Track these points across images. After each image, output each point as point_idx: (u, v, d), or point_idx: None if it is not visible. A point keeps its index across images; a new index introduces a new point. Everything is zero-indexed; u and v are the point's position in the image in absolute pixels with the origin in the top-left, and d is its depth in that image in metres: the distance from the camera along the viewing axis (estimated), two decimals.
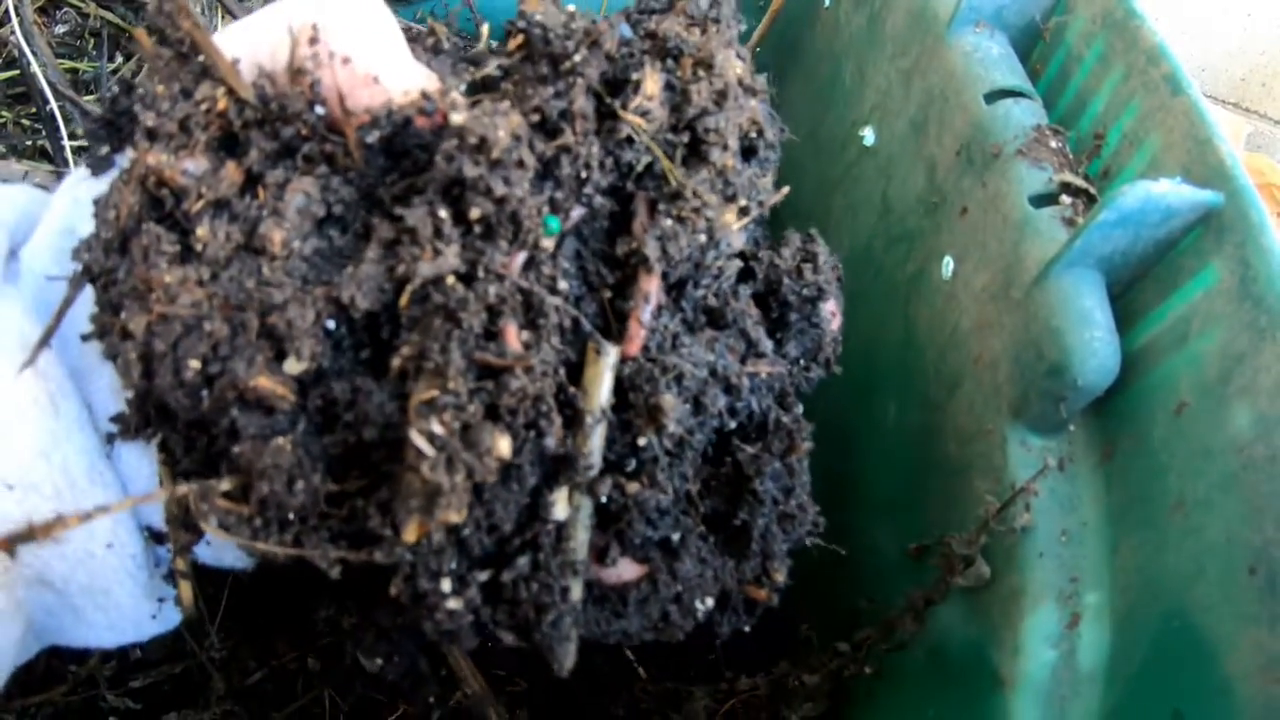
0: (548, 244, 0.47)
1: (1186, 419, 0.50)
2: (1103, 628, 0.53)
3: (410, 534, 0.42)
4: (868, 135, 0.90)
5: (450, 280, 0.44)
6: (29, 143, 0.90)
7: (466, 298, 0.43)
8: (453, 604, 0.45)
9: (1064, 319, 0.55)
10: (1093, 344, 0.54)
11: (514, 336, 0.45)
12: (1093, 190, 0.62)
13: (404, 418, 0.43)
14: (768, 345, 0.56)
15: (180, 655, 0.79)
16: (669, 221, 0.49)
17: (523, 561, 0.47)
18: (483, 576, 0.46)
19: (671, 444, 0.50)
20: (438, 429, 0.42)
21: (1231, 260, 0.50)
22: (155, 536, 0.51)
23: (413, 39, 0.55)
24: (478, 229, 0.44)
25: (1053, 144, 0.65)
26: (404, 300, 0.44)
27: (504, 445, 0.43)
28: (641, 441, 0.49)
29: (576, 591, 0.48)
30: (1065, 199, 0.62)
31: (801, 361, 0.59)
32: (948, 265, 0.71)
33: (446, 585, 0.44)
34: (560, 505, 0.47)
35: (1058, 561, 0.55)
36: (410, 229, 0.44)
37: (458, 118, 0.44)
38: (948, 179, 0.73)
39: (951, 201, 0.72)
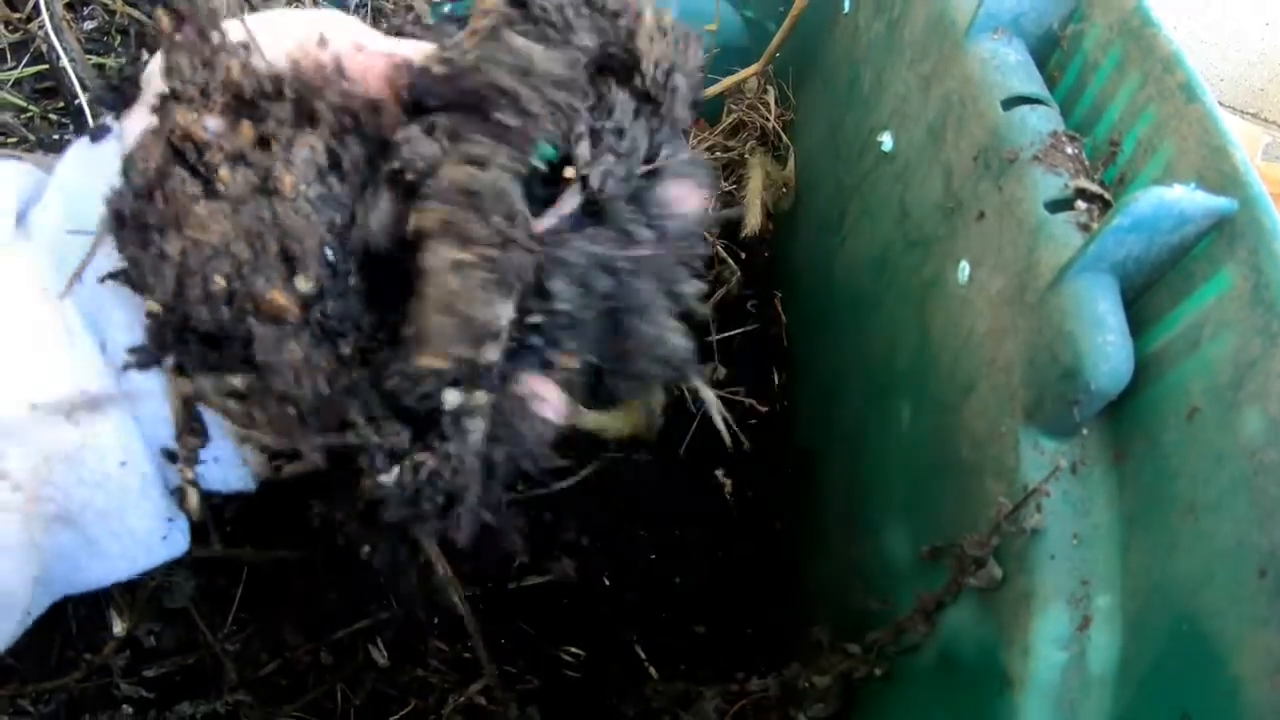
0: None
1: (1198, 423, 0.51)
2: (1113, 631, 0.54)
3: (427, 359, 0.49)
4: (886, 141, 0.91)
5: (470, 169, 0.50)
6: (55, 137, 0.92)
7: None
8: (385, 479, 0.51)
9: (1077, 323, 0.55)
10: (1105, 348, 0.54)
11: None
12: (1108, 196, 0.62)
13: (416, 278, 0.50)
14: (646, 235, 0.58)
15: (193, 646, 0.80)
16: (610, 157, 0.55)
17: (434, 444, 0.52)
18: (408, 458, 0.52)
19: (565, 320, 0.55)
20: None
21: (1244, 266, 0.50)
22: (168, 455, 0.53)
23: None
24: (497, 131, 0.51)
25: (1068, 150, 0.65)
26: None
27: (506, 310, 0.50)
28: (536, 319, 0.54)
29: (476, 474, 0.53)
30: (1080, 204, 0.62)
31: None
32: (964, 270, 0.72)
33: (381, 460, 0.50)
34: (453, 395, 0.52)
35: (1069, 564, 0.56)
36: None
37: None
38: (964, 184, 0.73)
39: (968, 206, 0.72)
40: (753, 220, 1.15)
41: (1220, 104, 0.57)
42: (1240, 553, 0.46)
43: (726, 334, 1.18)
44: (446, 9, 1.25)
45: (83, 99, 0.84)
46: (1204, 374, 0.51)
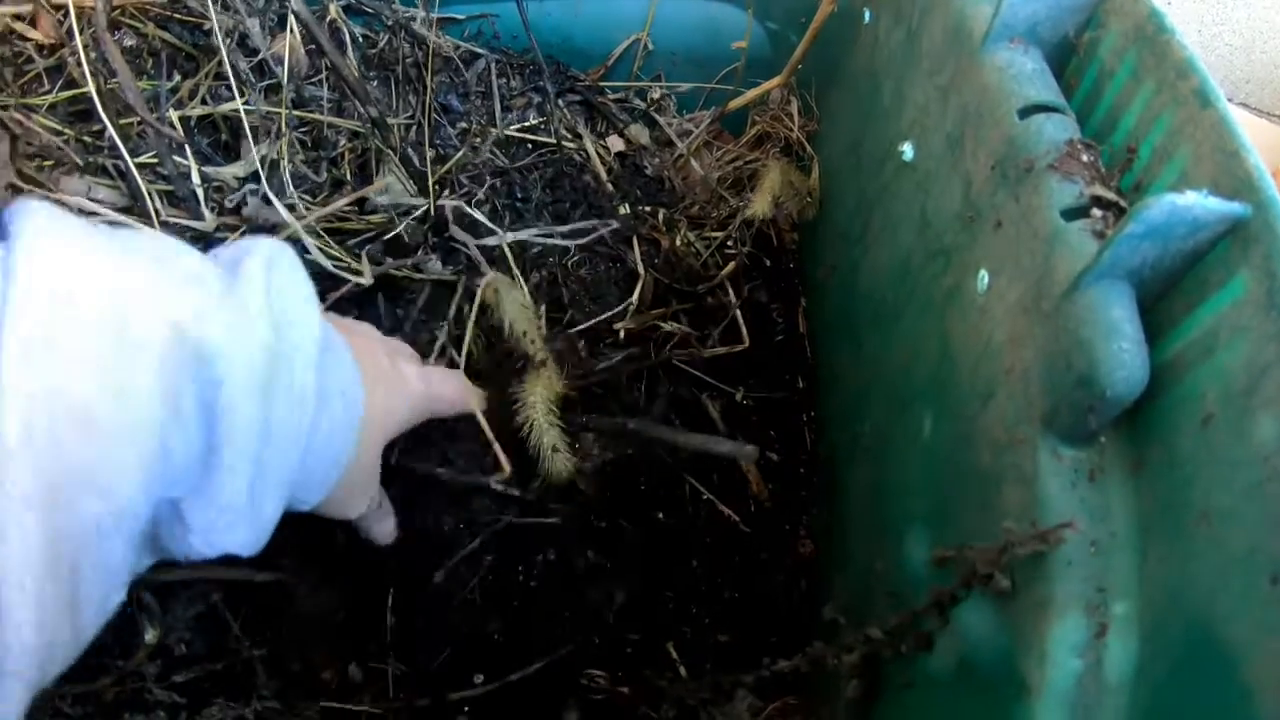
0: None
1: (1213, 430, 0.51)
2: (1130, 639, 0.53)
3: None
4: (906, 151, 0.91)
5: None
6: (91, 159, 0.94)
7: None
8: None
9: (1093, 330, 0.56)
10: (1121, 355, 0.54)
11: None
12: (1123, 203, 0.62)
13: None
14: None
15: (223, 652, 0.81)
16: None
17: None
18: None
19: None
20: None
21: (1258, 272, 0.50)
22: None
23: None
24: None
25: (1084, 158, 0.65)
26: None
27: None
28: None
29: None
30: (1096, 212, 0.62)
31: None
32: (983, 279, 0.72)
33: None
34: None
35: (1086, 572, 0.56)
36: None
37: None
38: (983, 194, 0.74)
39: (986, 216, 0.73)
40: (760, 207, 1.16)
41: (1246, 106, 0.57)
42: (1252, 559, 0.45)
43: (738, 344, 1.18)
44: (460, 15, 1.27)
45: (109, 126, 0.86)
46: (1218, 380, 0.51)
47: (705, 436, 1.05)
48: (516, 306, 0.99)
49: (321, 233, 0.99)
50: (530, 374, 0.99)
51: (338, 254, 1.01)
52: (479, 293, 0.98)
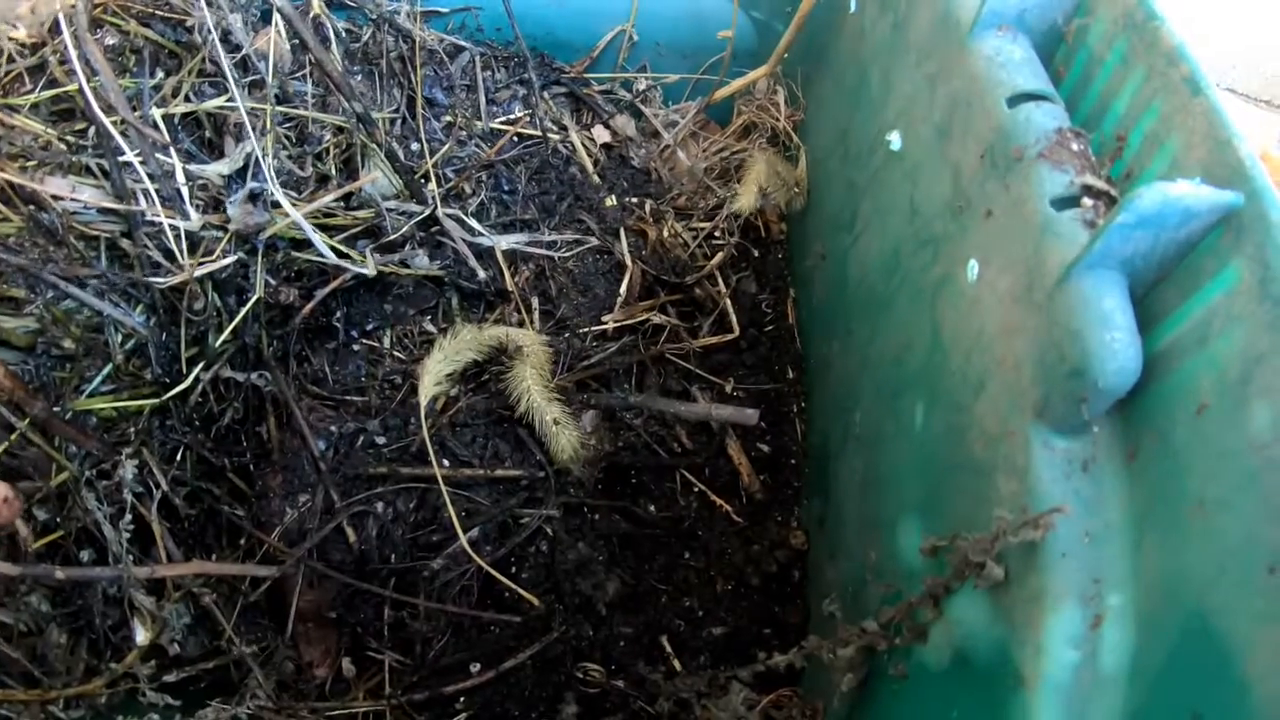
0: None
1: (1207, 420, 0.51)
2: (1125, 629, 0.53)
3: None
4: (894, 140, 0.91)
5: None
6: (74, 159, 0.93)
7: None
8: None
9: (1084, 321, 0.55)
10: (1113, 346, 0.54)
11: None
12: (1114, 192, 0.62)
13: None
14: None
15: (216, 653, 0.81)
16: None
17: None
18: None
19: None
20: None
21: (1251, 261, 0.50)
22: None
23: None
24: None
25: (1074, 146, 0.65)
26: None
27: None
28: None
29: None
30: (1086, 201, 0.62)
31: None
32: (973, 268, 0.72)
33: None
34: None
35: (1080, 563, 0.55)
36: None
37: None
38: (972, 183, 0.73)
39: (976, 205, 0.72)
40: (745, 201, 1.16)
41: (1233, 91, 0.57)
42: (1249, 549, 0.45)
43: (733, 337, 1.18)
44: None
45: (104, 121, 0.85)
46: (1213, 370, 0.51)
47: (706, 405, 1.06)
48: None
49: (316, 227, 0.98)
50: (517, 361, 0.99)
51: (339, 246, 1.01)
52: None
